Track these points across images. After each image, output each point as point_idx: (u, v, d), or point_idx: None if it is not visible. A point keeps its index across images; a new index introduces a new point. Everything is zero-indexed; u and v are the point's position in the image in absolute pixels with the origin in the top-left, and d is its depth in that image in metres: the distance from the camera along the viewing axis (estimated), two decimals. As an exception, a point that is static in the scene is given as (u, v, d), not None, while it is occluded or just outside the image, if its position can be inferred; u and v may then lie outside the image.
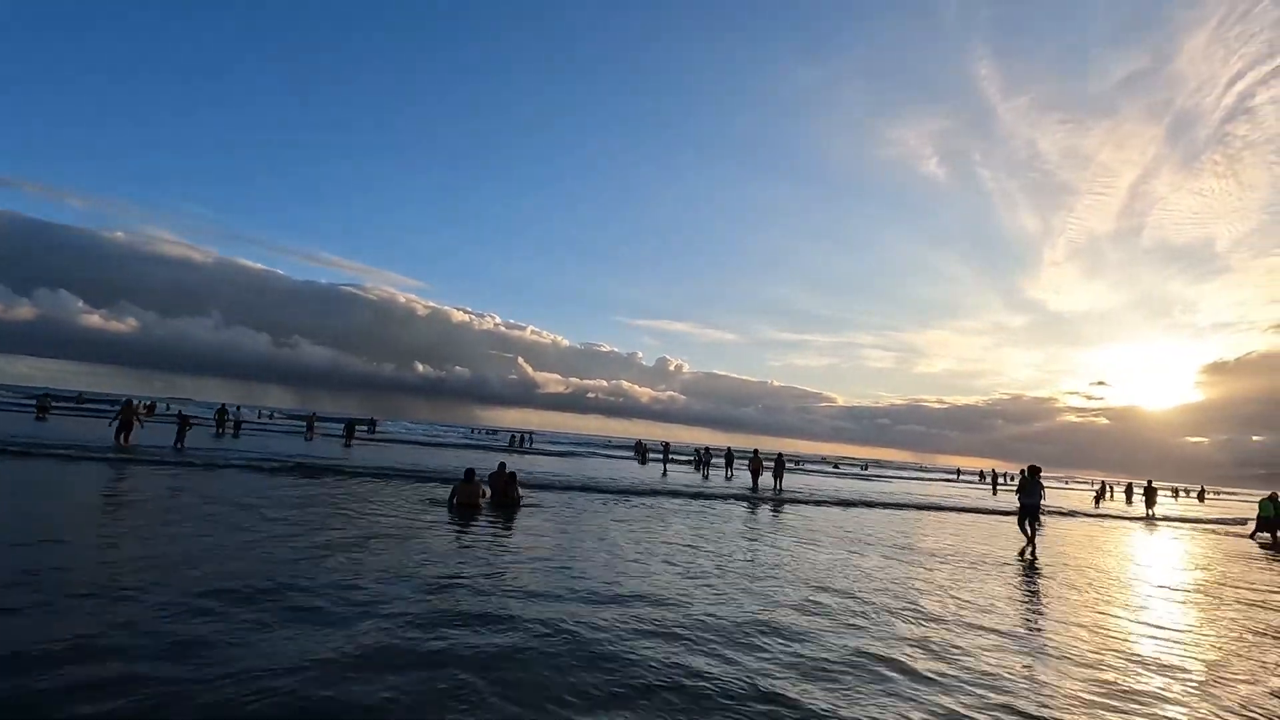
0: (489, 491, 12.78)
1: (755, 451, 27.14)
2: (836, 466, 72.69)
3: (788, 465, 32.35)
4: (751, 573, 8.02)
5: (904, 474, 67.89)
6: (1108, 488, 45.65)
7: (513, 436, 47.83)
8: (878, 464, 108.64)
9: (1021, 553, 12.81)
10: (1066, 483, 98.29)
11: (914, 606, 6.87)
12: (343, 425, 35.62)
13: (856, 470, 66.22)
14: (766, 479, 25.95)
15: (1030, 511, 13.89)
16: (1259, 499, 24.20)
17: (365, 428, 52.81)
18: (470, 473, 12.14)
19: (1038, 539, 13.87)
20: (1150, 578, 10.61)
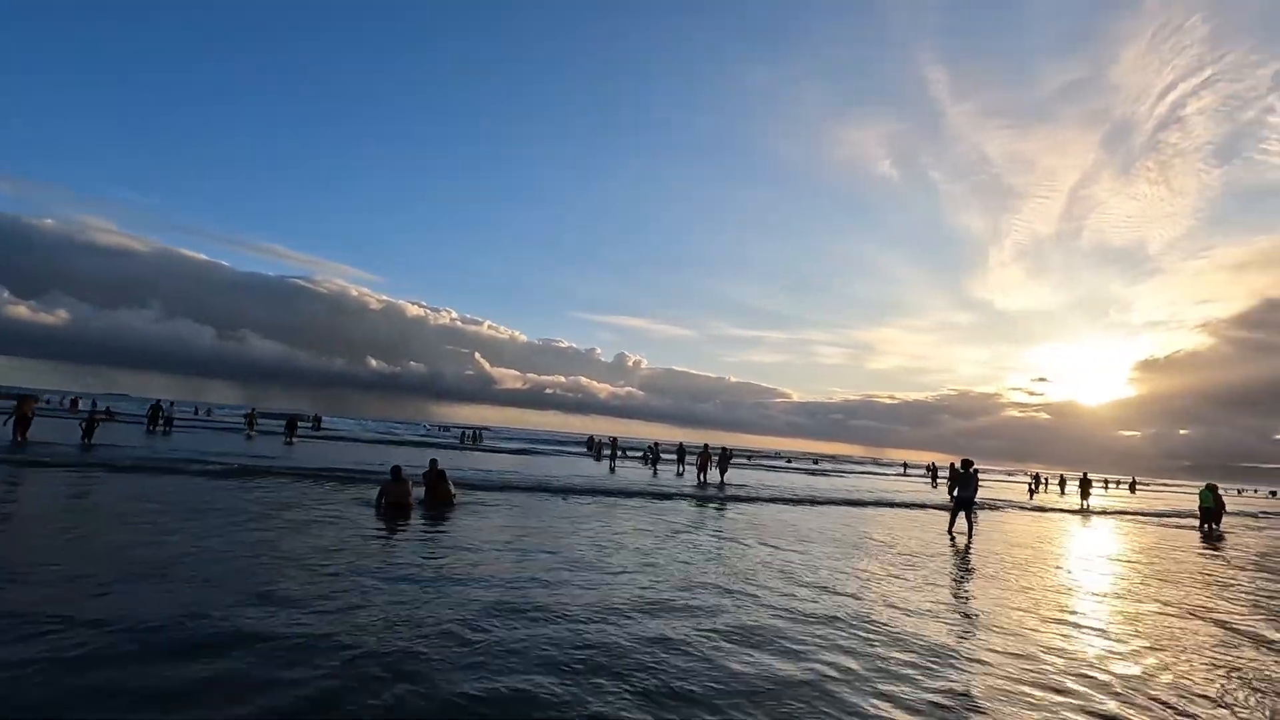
0: (416, 491, 12.51)
1: (705, 446, 27.45)
2: (789, 461, 73.71)
3: (740, 460, 32.72)
4: (645, 568, 7.97)
5: (854, 469, 69.37)
6: (1042, 480, 47.45)
7: (463, 433, 47.12)
8: (831, 459, 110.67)
9: (954, 543, 13.08)
10: (1012, 474, 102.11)
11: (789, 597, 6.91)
12: (284, 421, 34.42)
13: (809, 465, 67.33)
14: (716, 474, 26.34)
15: (965, 504, 14.27)
16: (1192, 489, 25.38)
17: (310, 424, 51.29)
18: (398, 471, 11.79)
19: (974, 532, 14.47)
20: (1080, 568, 10.91)
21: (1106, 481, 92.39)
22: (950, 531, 14.50)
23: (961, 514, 14.44)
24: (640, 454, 44.97)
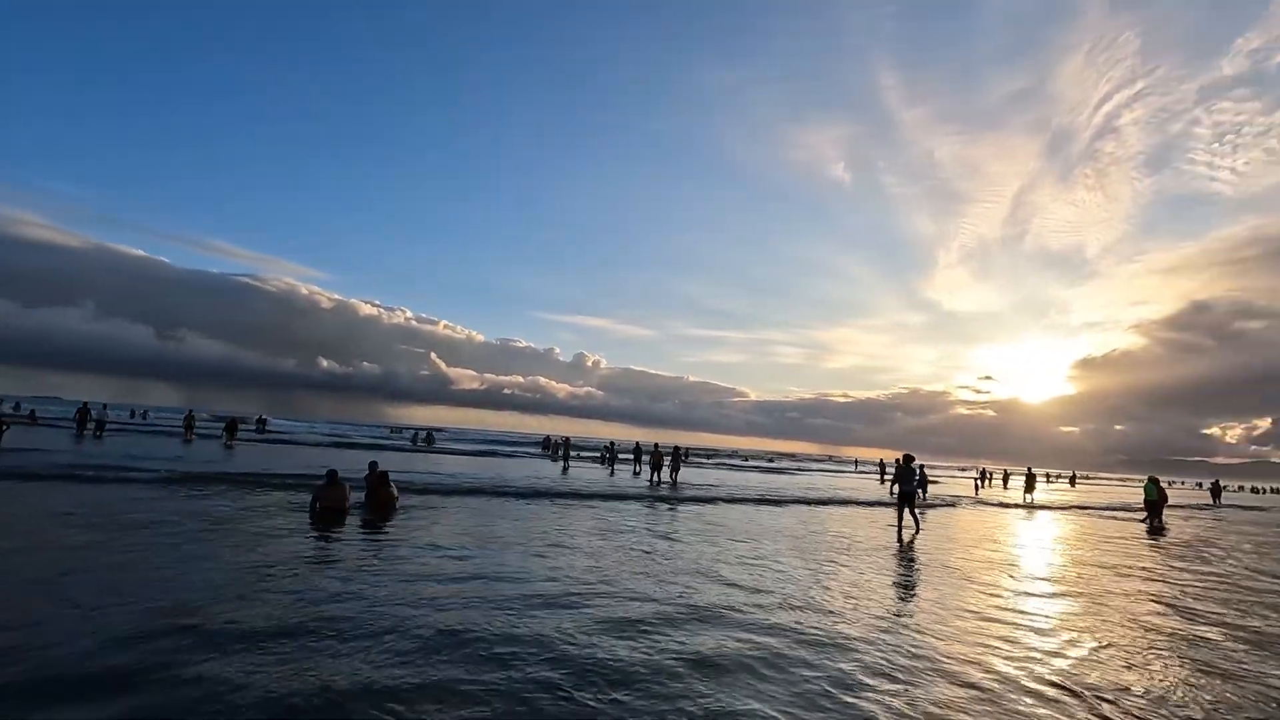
0: (355, 495, 12.17)
1: (656, 446, 27.57)
2: (746, 460, 74.48)
3: (699, 459, 32.83)
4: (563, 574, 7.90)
5: (810, 467, 70.47)
6: (988, 475, 49.07)
7: (415, 434, 46.03)
8: (788, 457, 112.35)
9: (901, 539, 13.32)
10: (965, 469, 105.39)
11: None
12: (223, 424, 33.09)
13: (764, 464, 68.19)
14: (668, 474, 26.43)
15: (907, 498, 14.62)
16: (1129, 483, 26.34)
17: (254, 426, 49.54)
18: (334, 475, 11.41)
19: (921, 526, 15.03)
20: (1019, 561, 11.12)
21: (1049, 475, 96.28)
22: (899, 527, 14.72)
23: (906, 509, 14.73)
24: (597, 454, 44.78)
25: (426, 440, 49.81)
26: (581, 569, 8.04)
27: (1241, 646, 6.33)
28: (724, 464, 57.13)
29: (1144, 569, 11.32)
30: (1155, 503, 21.90)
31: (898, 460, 15.09)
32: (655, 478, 25.78)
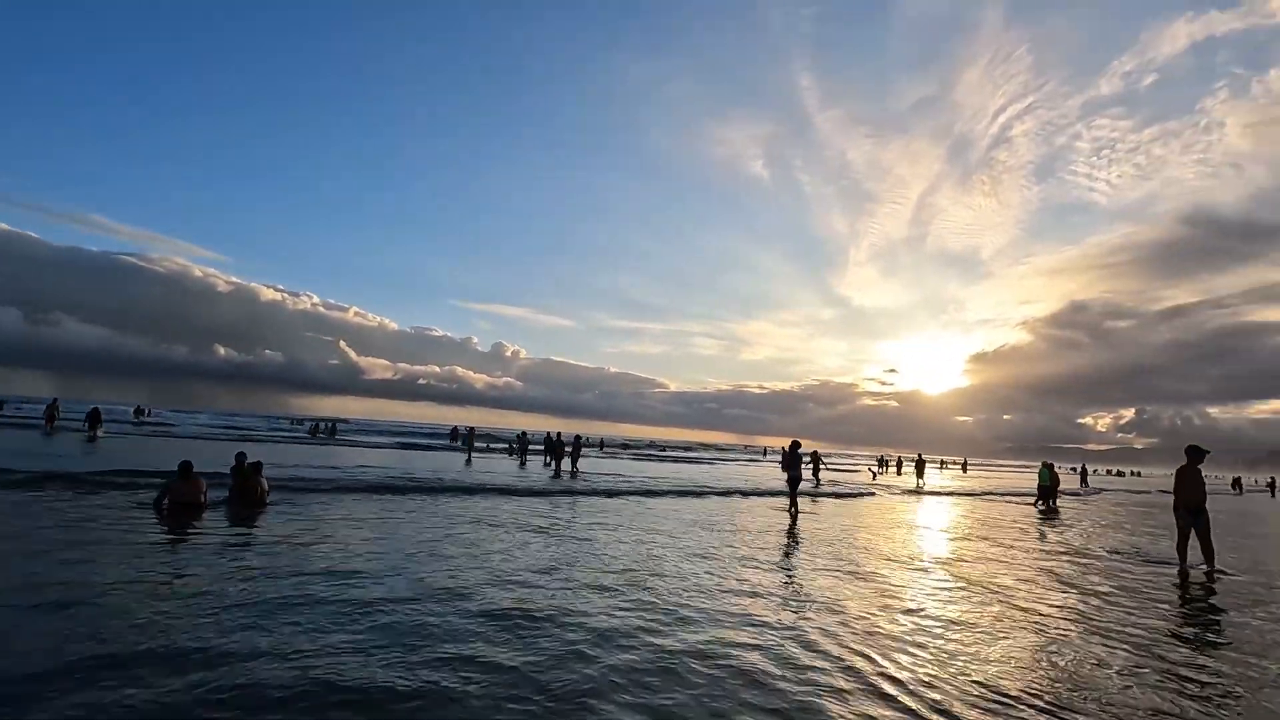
0: (218, 491, 11.26)
1: (558, 435, 27.51)
2: (665, 450, 75.39)
3: (612, 449, 32.63)
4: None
5: (723, 457, 71.89)
6: (885, 461, 51.65)
7: (314, 425, 43.36)
8: (711, 447, 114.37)
9: (793, 524, 13.83)
10: (875, 458, 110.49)
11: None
12: (85, 414, 29.99)
13: (682, 454, 69.15)
14: (576, 463, 26.26)
15: (793, 484, 15.78)
16: (1017, 469, 27.89)
17: (133, 418, 45.58)
18: (187, 467, 10.44)
19: (801, 510, 15.80)
20: (896, 542, 11.41)
21: (942, 463, 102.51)
22: (790, 511, 15.51)
23: (793, 491, 15.83)
24: (506, 445, 43.90)
25: (328, 431, 47.33)
26: (434, 568, 7.65)
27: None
28: (644, 454, 57.42)
29: (1009, 545, 12.03)
30: (1049, 488, 22.82)
31: (783, 448, 16.29)
32: (556, 468, 25.76)
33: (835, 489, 25.81)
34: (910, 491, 28.24)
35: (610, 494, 18.19)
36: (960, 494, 29.06)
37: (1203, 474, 10.29)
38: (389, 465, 22.62)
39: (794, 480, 15.90)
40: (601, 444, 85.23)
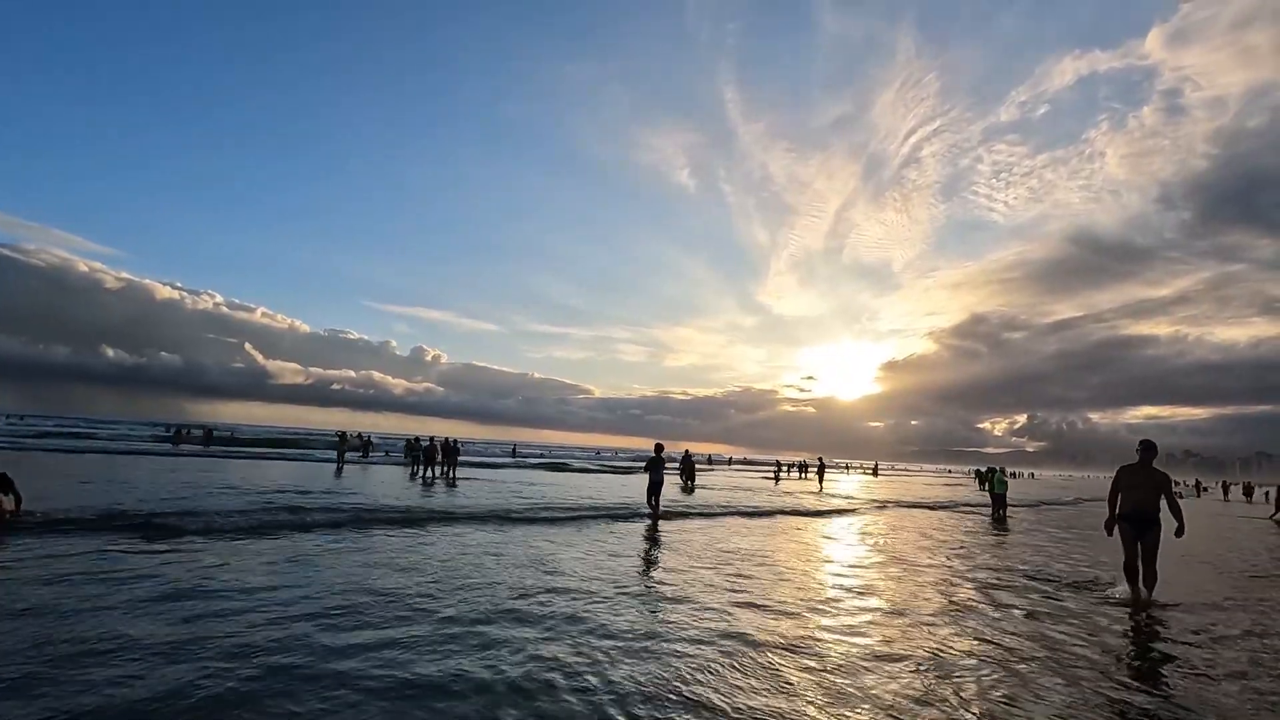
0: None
1: (415, 440, 26.25)
2: (598, 454, 74.27)
3: (529, 453, 30.82)
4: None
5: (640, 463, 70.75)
6: (785, 466, 51.84)
7: (178, 430, 38.62)
8: (626, 453, 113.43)
9: (654, 523, 14.42)
10: (790, 466, 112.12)
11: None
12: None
13: (597, 460, 67.77)
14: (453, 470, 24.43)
15: (655, 488, 15.68)
16: (924, 472, 26.62)
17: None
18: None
19: (659, 514, 15.40)
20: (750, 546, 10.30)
21: (847, 466, 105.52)
22: (653, 515, 15.35)
23: (653, 496, 15.76)
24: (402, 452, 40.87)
25: (204, 440, 42.66)
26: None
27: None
28: (558, 462, 55.42)
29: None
30: (1002, 495, 20.97)
31: (654, 446, 16.13)
32: (429, 474, 24.63)
33: (706, 503, 20.17)
34: (813, 512, 20.07)
35: (470, 518, 13.74)
36: (871, 505, 23.59)
37: (1160, 475, 7.82)
38: (237, 478, 19.82)
39: (655, 485, 15.71)
40: (514, 451, 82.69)
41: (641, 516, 15.40)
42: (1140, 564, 7.94)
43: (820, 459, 35.57)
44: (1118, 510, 8.07)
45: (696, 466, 33.33)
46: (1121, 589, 8.31)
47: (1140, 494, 7.89)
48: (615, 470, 42.93)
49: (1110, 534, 8.07)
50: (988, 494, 22.54)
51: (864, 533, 15.24)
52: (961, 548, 13.00)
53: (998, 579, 9.39)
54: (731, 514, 17.64)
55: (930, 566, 10.31)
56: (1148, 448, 7.91)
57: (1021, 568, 10.59)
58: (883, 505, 24.20)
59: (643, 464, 30.95)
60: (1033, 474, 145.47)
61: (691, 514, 16.96)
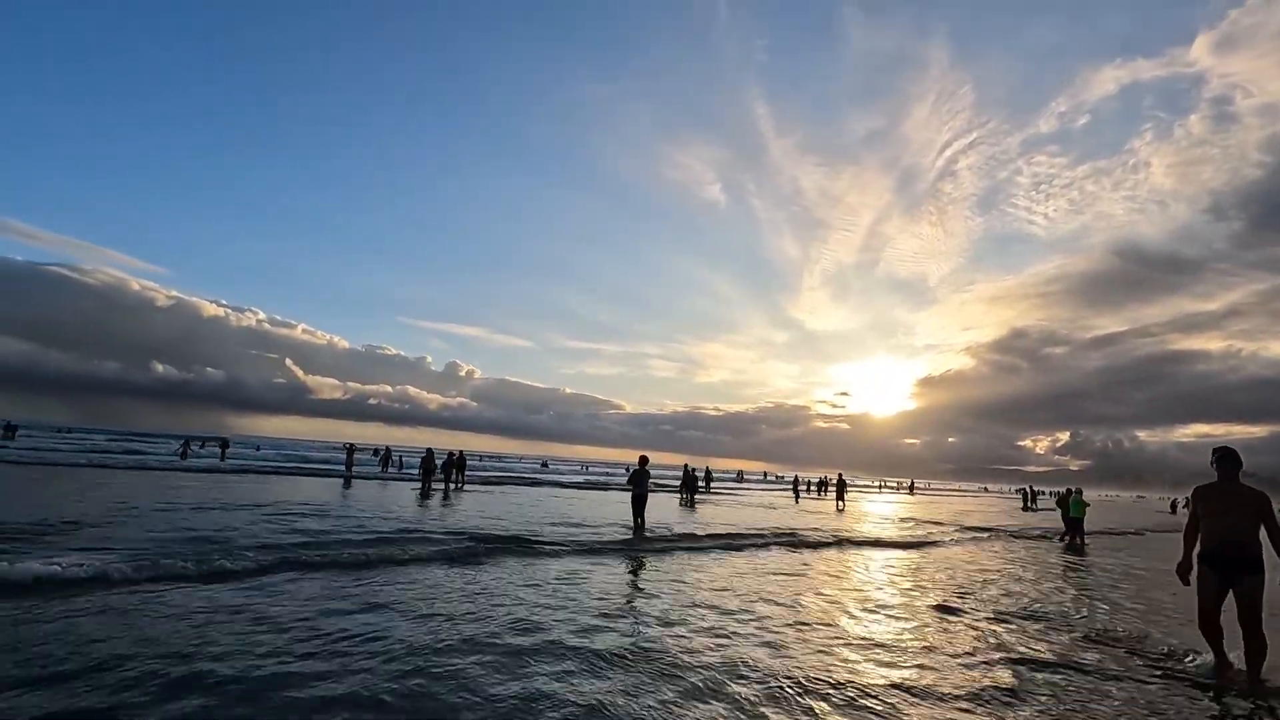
0: None
1: (440, 453, 25.39)
2: (586, 469, 73.88)
3: (566, 469, 30.04)
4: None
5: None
6: (806, 484, 49.85)
7: (185, 442, 38.30)
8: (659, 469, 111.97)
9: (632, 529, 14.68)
10: (810, 484, 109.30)
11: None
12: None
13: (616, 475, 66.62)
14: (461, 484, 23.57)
15: (639, 500, 15.29)
16: (962, 491, 23.82)
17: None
18: None
19: (644, 529, 14.83)
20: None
21: (882, 484, 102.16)
22: (635, 524, 15.10)
23: (638, 508, 15.33)
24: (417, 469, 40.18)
25: (220, 453, 42.61)
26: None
27: None
28: (593, 478, 54.35)
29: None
30: (1079, 521, 18.80)
31: (630, 468, 16.07)
32: (426, 485, 23.88)
33: (703, 523, 18.48)
34: (830, 542, 15.77)
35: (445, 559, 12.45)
36: (910, 539, 17.51)
37: (1253, 495, 5.37)
38: (229, 497, 19.12)
39: (639, 499, 15.29)
40: (545, 464, 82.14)
41: (608, 550, 12.03)
42: (1240, 625, 5.39)
43: (840, 475, 33.66)
44: (1197, 548, 5.62)
45: (699, 482, 32.00)
46: (1205, 659, 5.86)
47: (1226, 523, 5.37)
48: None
49: (1186, 582, 5.60)
50: (1064, 518, 19.82)
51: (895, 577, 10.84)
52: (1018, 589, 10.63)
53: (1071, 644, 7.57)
54: (725, 546, 13.81)
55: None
56: (1224, 458, 5.54)
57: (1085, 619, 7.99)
58: (925, 541, 17.50)
59: (678, 479, 30.31)
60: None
61: (676, 545, 13.33)
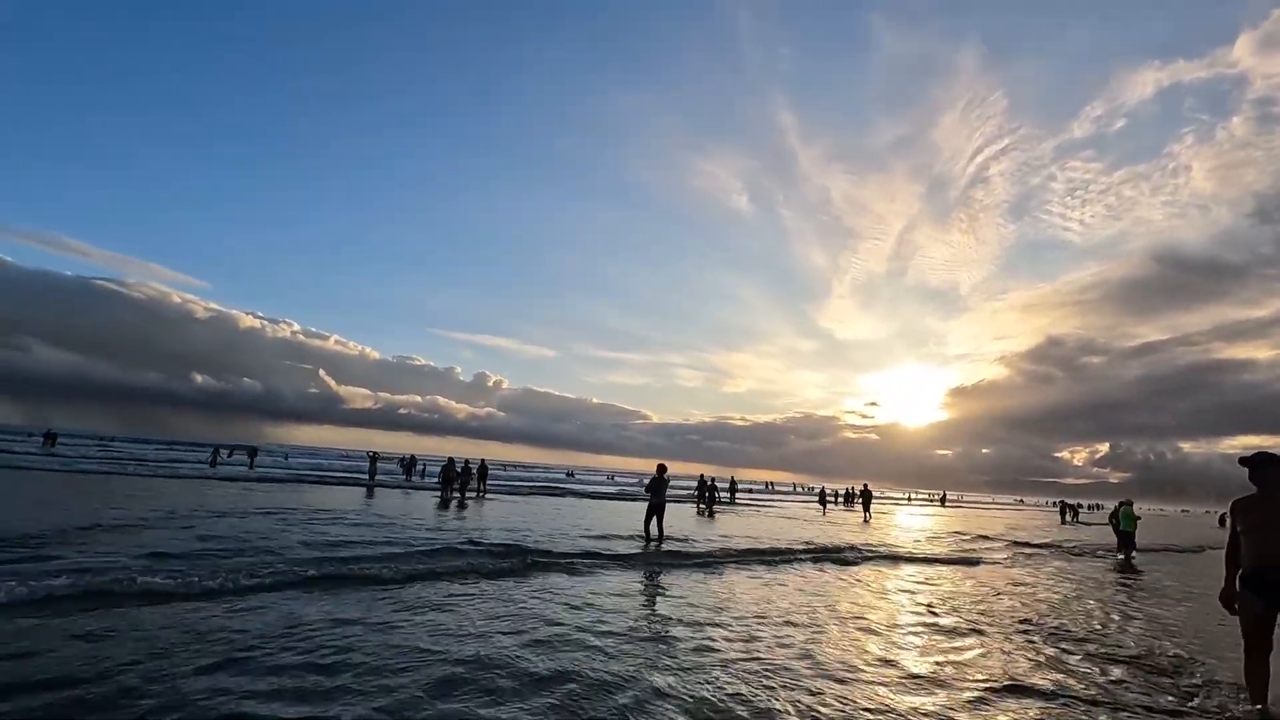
0: None
1: (460, 461, 25.22)
2: (612, 478, 74.32)
3: (589, 478, 29.81)
4: None
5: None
6: (833, 495, 48.64)
7: (215, 451, 38.78)
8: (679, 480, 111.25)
9: (644, 540, 14.18)
10: (835, 495, 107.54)
11: None
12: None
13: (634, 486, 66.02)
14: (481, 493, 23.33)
15: (657, 509, 14.82)
16: (996, 503, 22.67)
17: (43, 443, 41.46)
18: None
19: (663, 538, 14.53)
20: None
21: (910, 495, 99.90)
22: (646, 534, 14.73)
23: (655, 518, 14.87)
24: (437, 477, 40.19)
25: (249, 459, 43.09)
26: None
27: None
28: (624, 489, 53.95)
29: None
30: (1131, 535, 17.87)
31: (650, 477, 15.32)
32: (447, 495, 23.71)
33: (722, 536, 17.87)
34: (870, 556, 14.79)
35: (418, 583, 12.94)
36: (957, 555, 16.15)
37: None
38: (226, 505, 19.15)
39: (656, 508, 14.83)
40: (570, 474, 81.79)
41: (615, 560, 11.39)
42: None
43: (865, 486, 32.70)
44: (1240, 569, 4.81)
45: (723, 492, 31.37)
46: (1247, 709, 4.90)
47: (1267, 539, 4.58)
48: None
49: (1232, 610, 4.83)
50: (1115, 531, 18.53)
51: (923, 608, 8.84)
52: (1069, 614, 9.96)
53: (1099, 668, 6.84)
54: (743, 560, 12.77)
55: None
56: (1263, 463, 4.75)
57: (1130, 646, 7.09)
58: (963, 558, 15.83)
59: (696, 489, 29.83)
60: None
61: (690, 559, 12.36)
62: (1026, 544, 21.15)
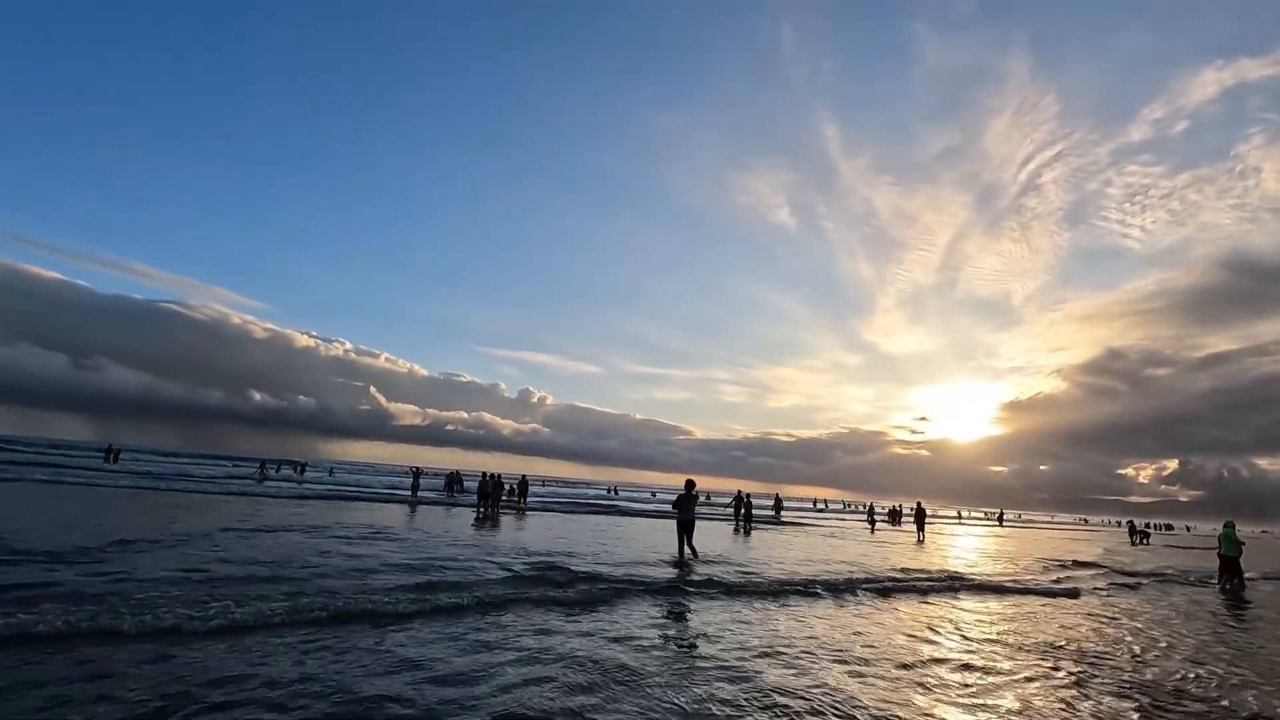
0: None
1: (492, 476, 24.99)
2: (654, 495, 73.28)
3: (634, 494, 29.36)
4: None
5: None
6: (884, 513, 46.59)
7: (262, 464, 39.17)
8: (719, 494, 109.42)
9: (676, 563, 13.14)
10: (884, 513, 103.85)
11: None
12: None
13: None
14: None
15: (686, 526, 14.24)
16: (1057, 522, 21.10)
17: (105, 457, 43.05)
18: None
19: (697, 555, 13.94)
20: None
21: (961, 514, 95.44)
22: (680, 555, 13.91)
23: (685, 537, 14.25)
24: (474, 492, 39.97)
25: (298, 473, 43.73)
26: None
27: None
28: (661, 505, 53.02)
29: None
30: (1235, 560, 16.31)
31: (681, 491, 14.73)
32: (480, 511, 23.27)
33: (759, 562, 14.63)
34: (941, 587, 12.91)
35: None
36: (1053, 587, 13.93)
37: None
38: (307, 520, 19.04)
39: (686, 524, 14.21)
40: (613, 490, 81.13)
41: (647, 590, 9.97)
42: None
43: (918, 504, 30.93)
44: None
45: (770, 509, 30.08)
46: None
47: None
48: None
49: None
50: (1218, 555, 16.92)
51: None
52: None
53: None
54: (791, 590, 10.96)
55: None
56: None
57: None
58: (1064, 588, 13.85)
59: (731, 505, 28.57)
60: (1188, 527, 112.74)
61: (719, 590, 10.47)
62: (1122, 570, 19.32)
